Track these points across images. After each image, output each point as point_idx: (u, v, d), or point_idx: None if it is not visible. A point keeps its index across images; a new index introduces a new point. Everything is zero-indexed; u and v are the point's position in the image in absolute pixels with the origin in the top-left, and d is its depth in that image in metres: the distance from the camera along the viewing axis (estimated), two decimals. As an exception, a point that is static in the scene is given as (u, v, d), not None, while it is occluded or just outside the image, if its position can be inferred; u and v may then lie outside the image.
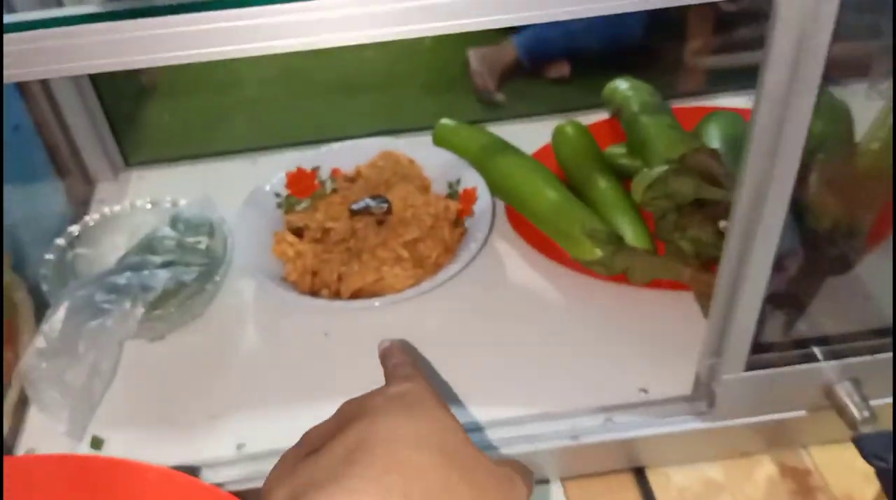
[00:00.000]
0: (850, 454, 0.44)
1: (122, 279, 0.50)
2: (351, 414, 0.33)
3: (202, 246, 0.57)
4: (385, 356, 0.41)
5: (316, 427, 0.35)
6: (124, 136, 0.73)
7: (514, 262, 0.59)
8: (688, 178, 0.48)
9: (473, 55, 1.42)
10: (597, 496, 0.49)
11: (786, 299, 0.46)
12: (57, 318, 0.47)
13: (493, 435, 0.49)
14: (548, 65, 1.45)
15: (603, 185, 0.60)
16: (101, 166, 0.72)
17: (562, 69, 1.44)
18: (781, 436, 0.50)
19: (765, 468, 0.50)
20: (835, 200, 0.54)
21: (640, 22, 1.34)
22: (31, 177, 0.66)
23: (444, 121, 0.67)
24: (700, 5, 0.95)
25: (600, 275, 0.55)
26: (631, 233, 0.55)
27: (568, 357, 0.53)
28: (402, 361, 0.39)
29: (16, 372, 0.48)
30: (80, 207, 0.69)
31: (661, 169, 0.50)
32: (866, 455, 0.43)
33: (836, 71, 0.35)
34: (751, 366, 0.45)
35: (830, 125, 0.47)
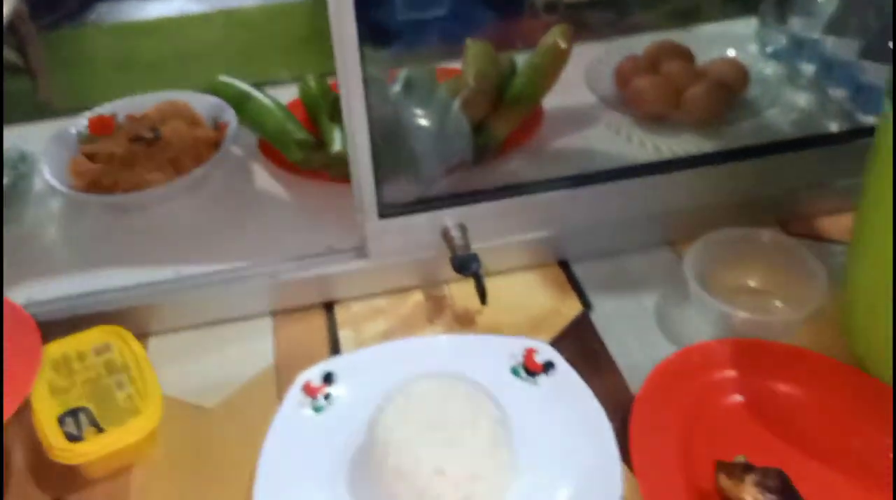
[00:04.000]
0: (470, 285, 0.65)
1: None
2: None
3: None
4: None
5: None
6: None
7: (257, 169, 0.80)
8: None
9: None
10: (295, 324, 0.69)
11: (409, 163, 0.67)
12: None
13: (217, 278, 0.68)
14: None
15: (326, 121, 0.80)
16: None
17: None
18: (426, 273, 0.70)
19: (415, 297, 0.70)
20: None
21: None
22: None
23: (222, 77, 0.87)
24: None
25: (308, 172, 0.75)
26: (339, 143, 0.76)
27: (276, 228, 0.73)
28: None
29: None
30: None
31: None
32: (456, 268, 0.65)
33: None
34: (383, 215, 0.66)
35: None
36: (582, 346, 0.64)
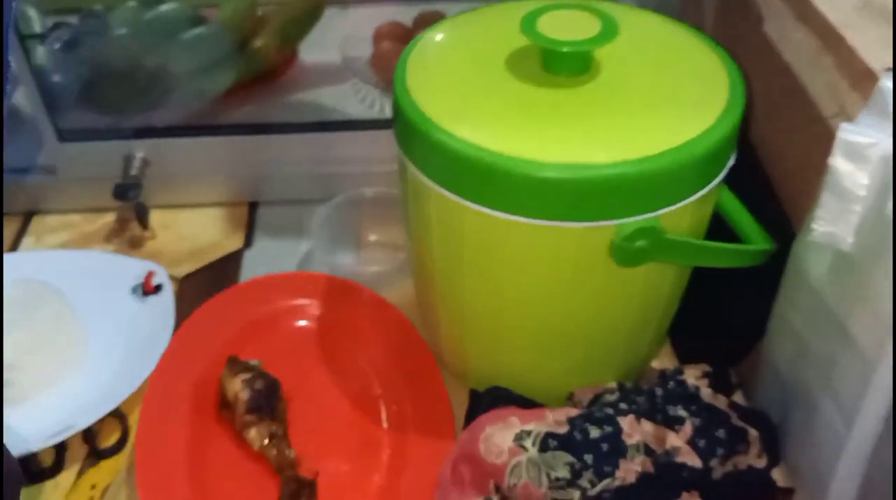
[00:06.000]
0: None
1: None
2: None
3: None
4: None
5: None
6: None
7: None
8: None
9: None
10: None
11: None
12: None
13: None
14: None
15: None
16: None
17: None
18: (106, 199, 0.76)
19: (108, 217, 0.77)
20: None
21: None
22: None
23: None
24: None
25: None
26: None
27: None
28: None
29: None
30: None
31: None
32: (115, 195, 0.71)
33: None
34: (64, 139, 0.72)
35: None
36: (217, 277, 0.71)
